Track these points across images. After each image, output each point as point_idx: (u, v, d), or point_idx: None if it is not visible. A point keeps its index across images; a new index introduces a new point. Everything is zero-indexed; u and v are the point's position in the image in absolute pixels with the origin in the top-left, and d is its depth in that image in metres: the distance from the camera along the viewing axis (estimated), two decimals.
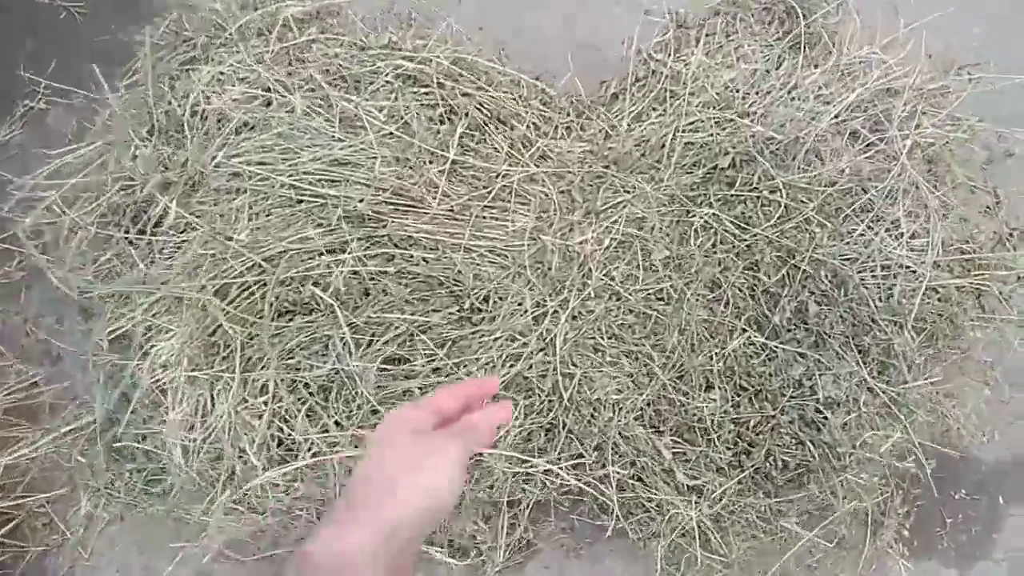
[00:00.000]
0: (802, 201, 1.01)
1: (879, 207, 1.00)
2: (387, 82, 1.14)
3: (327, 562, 0.46)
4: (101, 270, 1.23)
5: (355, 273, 0.98)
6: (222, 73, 1.24)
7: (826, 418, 0.95)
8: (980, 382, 1.06)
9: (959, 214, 1.04)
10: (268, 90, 1.21)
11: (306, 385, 0.97)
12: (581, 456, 1.03)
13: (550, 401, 1.04)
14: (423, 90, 1.17)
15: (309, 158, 1.07)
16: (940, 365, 1.00)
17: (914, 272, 0.99)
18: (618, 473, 0.99)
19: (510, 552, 1.15)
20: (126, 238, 1.19)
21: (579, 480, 1.01)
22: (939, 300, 0.99)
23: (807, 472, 0.97)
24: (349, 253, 0.98)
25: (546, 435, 1.07)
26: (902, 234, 1.00)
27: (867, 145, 1.05)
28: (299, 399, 0.98)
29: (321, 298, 0.96)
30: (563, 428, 1.02)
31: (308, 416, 0.96)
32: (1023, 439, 1.18)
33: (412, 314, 0.99)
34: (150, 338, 1.00)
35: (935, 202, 0.99)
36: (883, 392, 0.95)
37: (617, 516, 1.01)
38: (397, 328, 0.98)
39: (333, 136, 1.09)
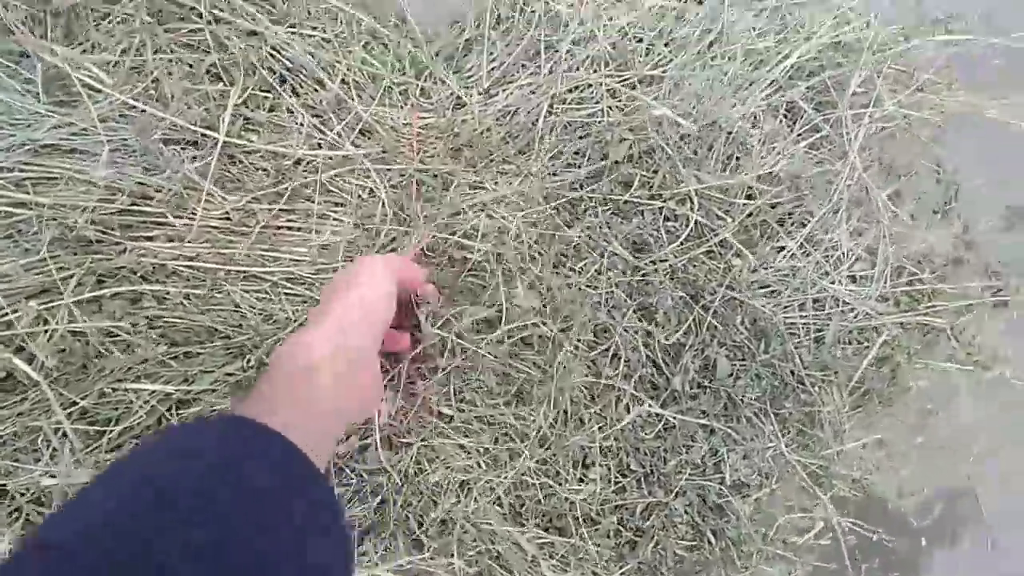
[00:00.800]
0: (718, 216, 0.75)
1: (815, 222, 0.75)
2: (126, 15, 0.77)
3: (289, 349, 0.55)
4: None
5: (76, 332, 0.68)
6: None
7: (730, 501, 0.75)
8: (915, 429, 0.89)
9: (908, 226, 0.81)
10: None
11: (13, 497, 0.69)
12: (420, 544, 0.81)
13: (378, 482, 0.80)
14: (183, 26, 0.80)
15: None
16: (871, 423, 0.81)
17: (853, 311, 0.77)
18: (466, 570, 0.78)
19: None
20: None
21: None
22: (882, 344, 0.78)
23: (705, 567, 0.79)
24: (68, 298, 0.66)
25: (378, 511, 0.83)
26: (840, 259, 0.77)
27: (811, 130, 0.78)
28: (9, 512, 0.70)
29: (26, 372, 0.66)
30: (393, 508, 0.78)
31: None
32: (948, 473, 1.03)
33: (169, 381, 0.70)
34: None
35: (887, 218, 0.75)
36: (803, 467, 0.76)
37: None
38: (147, 405, 0.70)
39: (38, 110, 0.73)
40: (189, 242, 0.74)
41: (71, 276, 0.71)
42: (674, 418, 0.75)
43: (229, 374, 0.74)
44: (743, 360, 0.74)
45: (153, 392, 0.71)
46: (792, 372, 0.74)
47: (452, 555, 0.77)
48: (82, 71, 0.74)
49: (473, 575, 0.78)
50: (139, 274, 0.72)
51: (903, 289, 0.77)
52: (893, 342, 0.80)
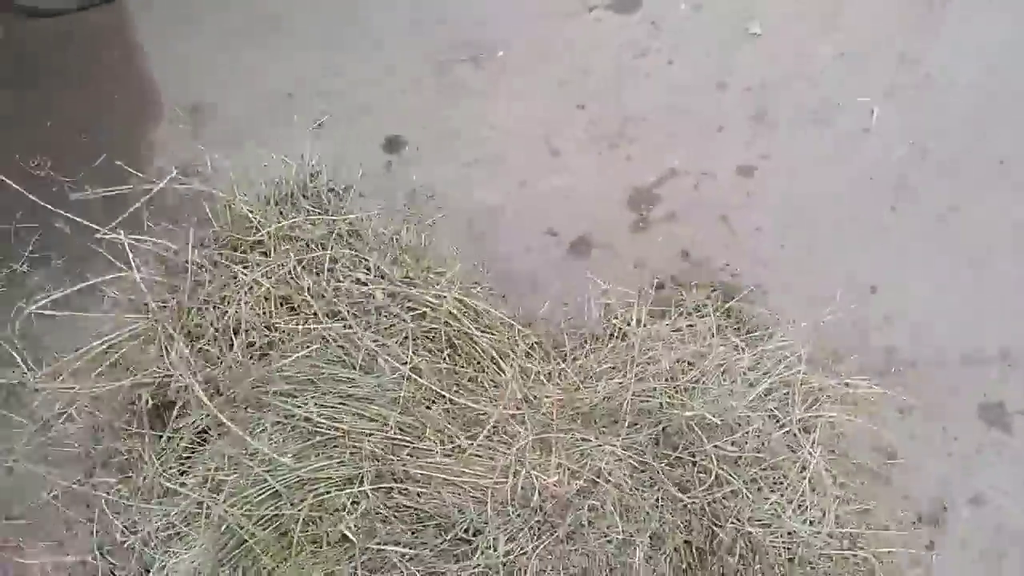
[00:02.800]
0: (729, 474, 1.27)
1: (790, 481, 1.27)
2: (401, 319, 1.38)
3: None
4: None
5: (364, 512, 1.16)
6: (257, 282, 1.46)
7: None
8: None
9: (854, 491, 1.32)
10: (293, 308, 1.44)
11: None
12: None
13: None
14: (430, 325, 1.41)
15: (328, 391, 1.27)
16: None
17: (811, 543, 1.24)
18: None
19: None
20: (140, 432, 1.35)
21: None
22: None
23: None
24: (361, 487, 1.16)
25: None
26: (805, 508, 1.27)
27: (779, 424, 1.34)
28: None
29: (341, 532, 1.13)
30: None
31: None
32: None
33: (406, 546, 1.17)
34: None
35: (830, 484, 1.27)
36: None
37: None
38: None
39: (351, 375, 1.31)
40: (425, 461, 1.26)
41: (366, 475, 1.22)
42: None
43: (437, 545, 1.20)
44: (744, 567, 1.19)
45: (398, 551, 1.17)
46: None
47: None
48: (380, 354, 1.32)
49: None
50: (396, 477, 1.23)
51: (846, 530, 1.25)
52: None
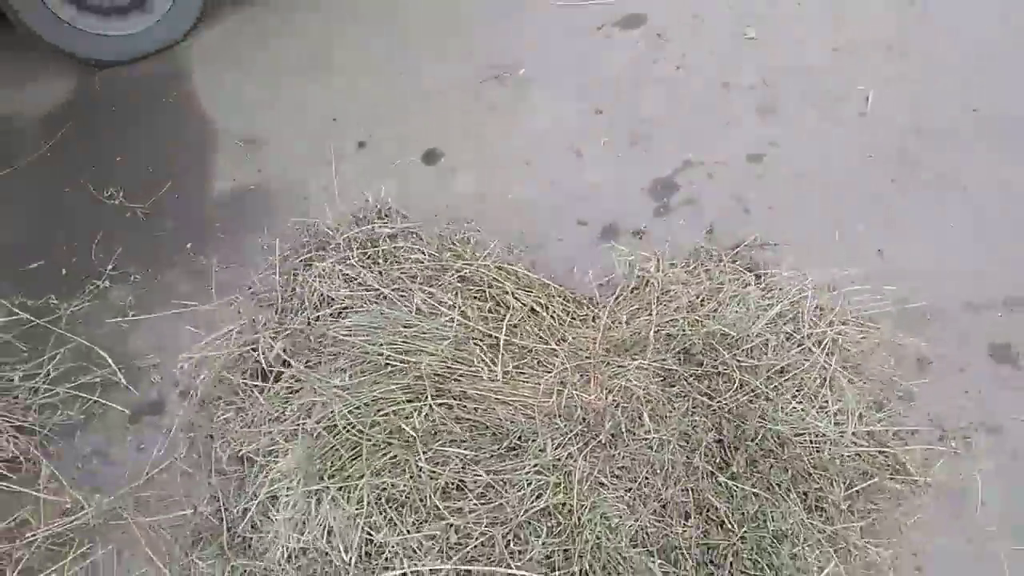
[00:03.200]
0: (751, 380, 1.46)
1: (812, 389, 1.46)
2: (451, 283, 1.62)
3: None
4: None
5: (426, 417, 1.39)
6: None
7: (777, 546, 1.32)
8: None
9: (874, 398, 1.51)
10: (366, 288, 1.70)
11: (387, 500, 1.32)
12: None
13: (568, 526, 1.39)
14: (476, 288, 1.65)
15: (394, 334, 1.51)
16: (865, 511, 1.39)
17: (838, 440, 1.42)
18: None
19: None
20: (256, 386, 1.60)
21: None
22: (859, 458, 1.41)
23: None
24: (424, 401, 1.38)
25: (564, 554, 1.40)
26: (827, 411, 1.45)
27: (790, 341, 1.55)
28: (381, 511, 1.32)
29: (405, 430, 1.35)
30: (576, 552, 1.36)
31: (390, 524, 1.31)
32: None
33: (465, 449, 1.38)
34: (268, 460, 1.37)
35: (847, 384, 1.45)
36: (816, 528, 1.33)
37: None
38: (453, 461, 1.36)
39: (410, 319, 1.55)
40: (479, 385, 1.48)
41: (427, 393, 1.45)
42: (736, 487, 1.37)
43: (493, 448, 1.41)
44: (775, 460, 1.38)
45: (457, 453, 1.38)
46: (805, 470, 1.37)
47: None
48: (433, 300, 1.57)
49: None
50: (453, 395, 1.45)
51: (866, 428, 1.43)
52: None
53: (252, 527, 1.42)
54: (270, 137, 2.64)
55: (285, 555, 1.32)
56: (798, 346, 1.60)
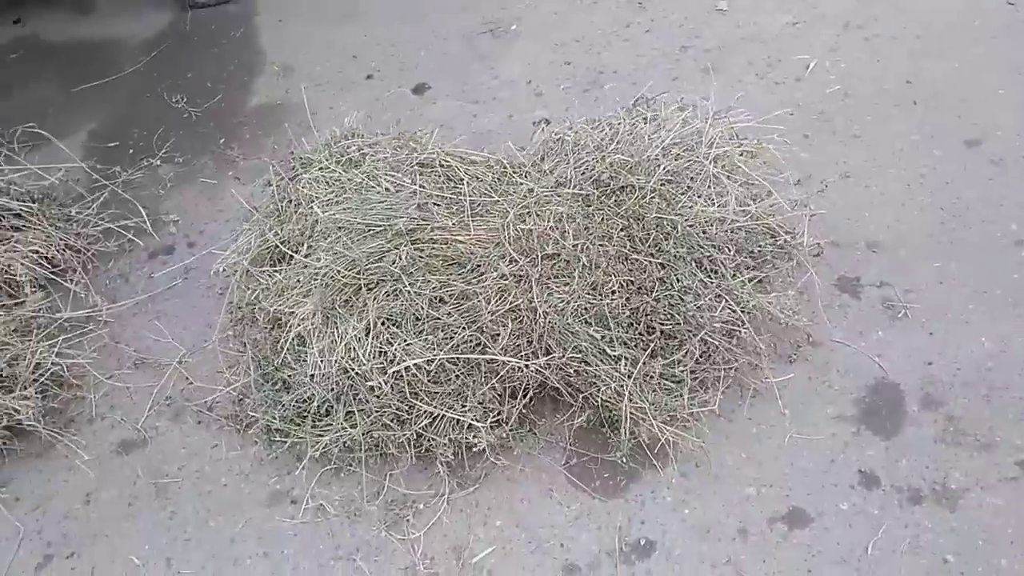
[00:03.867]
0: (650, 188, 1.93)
1: (700, 189, 1.95)
2: (411, 168, 2.08)
3: None
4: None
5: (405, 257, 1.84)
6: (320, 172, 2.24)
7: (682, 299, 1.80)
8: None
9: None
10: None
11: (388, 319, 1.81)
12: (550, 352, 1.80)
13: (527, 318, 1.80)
14: (431, 169, 2.11)
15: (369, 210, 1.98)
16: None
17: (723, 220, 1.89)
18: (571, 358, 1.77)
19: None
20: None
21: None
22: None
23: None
24: (404, 247, 1.84)
25: (527, 340, 1.82)
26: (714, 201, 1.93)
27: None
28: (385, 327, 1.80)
29: (391, 270, 1.81)
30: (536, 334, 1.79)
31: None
32: None
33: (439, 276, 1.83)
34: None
35: (727, 182, 1.93)
36: (713, 284, 1.81)
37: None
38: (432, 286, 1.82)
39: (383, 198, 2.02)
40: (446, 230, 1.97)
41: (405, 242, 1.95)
42: (646, 260, 1.86)
43: (460, 274, 1.91)
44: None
45: (437, 280, 1.87)
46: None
47: None
48: (395, 180, 2.07)
49: None
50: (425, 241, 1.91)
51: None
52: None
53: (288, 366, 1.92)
54: (302, 67, 3.25)
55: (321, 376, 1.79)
56: (687, 162, 2.00)
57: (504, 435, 1.88)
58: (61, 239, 2.53)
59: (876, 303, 2.12)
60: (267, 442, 1.99)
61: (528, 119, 2.78)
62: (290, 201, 2.21)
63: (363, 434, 1.86)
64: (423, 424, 1.82)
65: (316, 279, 1.83)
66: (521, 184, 2.05)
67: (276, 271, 2.00)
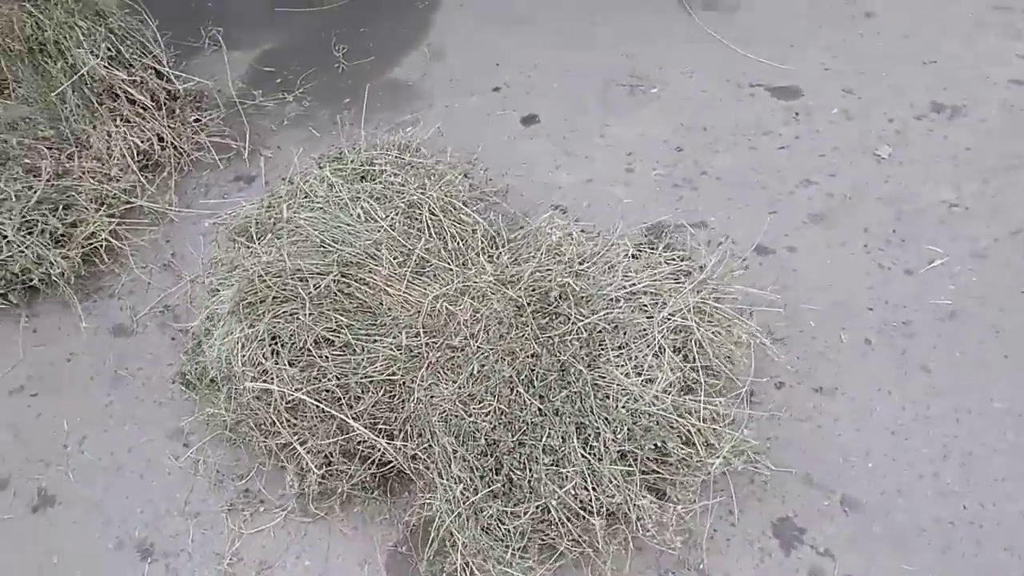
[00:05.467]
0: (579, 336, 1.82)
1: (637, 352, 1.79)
2: (399, 205, 2.15)
3: None
4: None
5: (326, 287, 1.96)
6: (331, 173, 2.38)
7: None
8: None
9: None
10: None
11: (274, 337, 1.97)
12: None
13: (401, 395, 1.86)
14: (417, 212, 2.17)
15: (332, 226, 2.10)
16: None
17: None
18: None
19: None
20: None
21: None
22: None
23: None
24: (332, 276, 1.95)
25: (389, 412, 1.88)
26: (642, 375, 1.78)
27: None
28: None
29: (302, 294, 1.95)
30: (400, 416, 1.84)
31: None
32: None
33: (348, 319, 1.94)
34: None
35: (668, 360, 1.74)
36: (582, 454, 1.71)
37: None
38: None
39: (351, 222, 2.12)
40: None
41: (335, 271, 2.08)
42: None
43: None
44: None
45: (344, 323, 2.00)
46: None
47: None
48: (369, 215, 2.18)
49: None
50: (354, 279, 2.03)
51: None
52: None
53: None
54: (448, 58, 3.35)
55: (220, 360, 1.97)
56: (648, 317, 1.85)
57: (346, 488, 1.92)
58: (173, 136, 2.94)
59: (804, 571, 1.78)
60: (182, 385, 2.22)
61: (605, 191, 2.64)
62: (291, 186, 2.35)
63: (236, 423, 2.01)
64: (279, 442, 1.92)
65: (244, 272, 1.97)
66: (479, 262, 2.01)
67: (248, 245, 2.18)
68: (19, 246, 2.48)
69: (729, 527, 1.83)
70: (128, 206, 2.78)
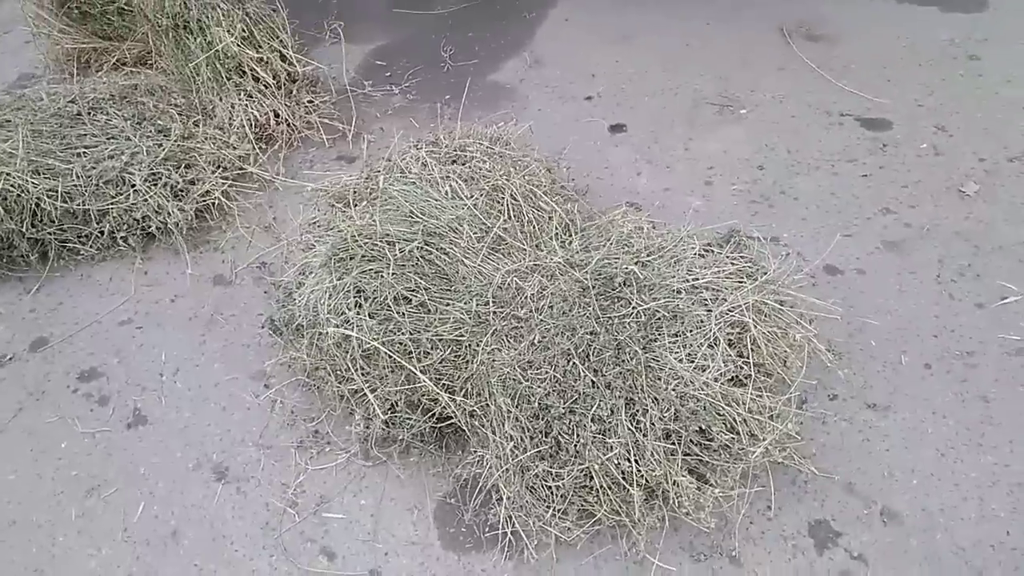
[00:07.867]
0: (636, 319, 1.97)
1: (692, 341, 1.92)
2: (484, 188, 2.37)
3: None
4: None
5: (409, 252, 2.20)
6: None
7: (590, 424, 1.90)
8: None
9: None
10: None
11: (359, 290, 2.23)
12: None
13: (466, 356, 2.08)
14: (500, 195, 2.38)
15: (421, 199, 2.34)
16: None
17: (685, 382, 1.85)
18: None
19: None
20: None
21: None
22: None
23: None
24: (416, 243, 2.19)
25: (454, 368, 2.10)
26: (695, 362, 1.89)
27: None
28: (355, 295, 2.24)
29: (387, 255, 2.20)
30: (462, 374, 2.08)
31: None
32: None
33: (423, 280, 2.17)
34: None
35: (721, 352, 1.87)
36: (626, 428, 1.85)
37: None
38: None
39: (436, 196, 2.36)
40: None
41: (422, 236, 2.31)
42: None
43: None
44: None
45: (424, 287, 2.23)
46: None
47: None
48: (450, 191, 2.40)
49: None
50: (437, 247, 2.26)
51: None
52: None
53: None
54: (548, 66, 3.57)
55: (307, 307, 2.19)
56: (707, 311, 1.95)
57: (406, 437, 2.11)
58: (288, 114, 3.27)
59: (835, 572, 1.84)
60: (270, 328, 2.47)
61: (681, 199, 2.78)
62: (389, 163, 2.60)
63: (314, 368, 2.23)
64: (351, 388, 2.13)
65: (338, 232, 2.21)
66: (551, 245, 2.19)
67: (344, 210, 2.43)
68: (144, 195, 2.83)
69: (766, 521, 1.91)
70: (240, 171, 3.10)
